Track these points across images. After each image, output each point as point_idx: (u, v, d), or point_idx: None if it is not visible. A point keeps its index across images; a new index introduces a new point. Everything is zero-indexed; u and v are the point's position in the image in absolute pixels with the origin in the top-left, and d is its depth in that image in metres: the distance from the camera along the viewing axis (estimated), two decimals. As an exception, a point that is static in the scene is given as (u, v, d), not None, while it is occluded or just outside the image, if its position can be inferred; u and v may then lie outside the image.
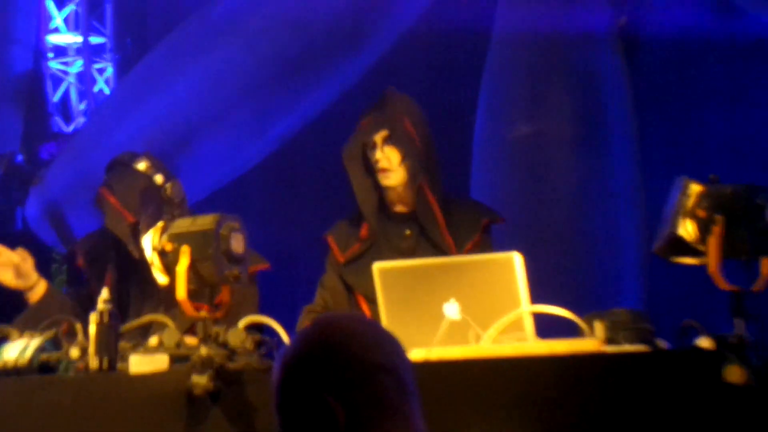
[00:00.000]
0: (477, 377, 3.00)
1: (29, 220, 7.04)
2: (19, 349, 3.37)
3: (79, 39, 8.35)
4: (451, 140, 6.25)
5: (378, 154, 3.97)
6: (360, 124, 4.05)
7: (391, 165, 3.97)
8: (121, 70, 8.29)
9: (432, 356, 3.08)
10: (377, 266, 3.36)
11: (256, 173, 7.13)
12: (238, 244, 3.25)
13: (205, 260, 3.21)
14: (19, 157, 7.71)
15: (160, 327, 3.50)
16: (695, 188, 3.08)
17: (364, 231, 4.02)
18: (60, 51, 8.42)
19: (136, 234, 3.98)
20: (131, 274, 4.05)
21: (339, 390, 1.96)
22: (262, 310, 3.66)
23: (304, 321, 3.94)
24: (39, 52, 8.29)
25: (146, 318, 3.63)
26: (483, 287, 3.25)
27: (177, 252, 3.23)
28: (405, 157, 3.96)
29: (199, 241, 3.22)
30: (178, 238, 3.25)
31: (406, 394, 2.01)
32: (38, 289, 3.97)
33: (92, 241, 4.23)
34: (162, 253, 3.28)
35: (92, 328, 3.25)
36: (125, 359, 3.26)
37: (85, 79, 8.34)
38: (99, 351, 3.24)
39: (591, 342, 3.05)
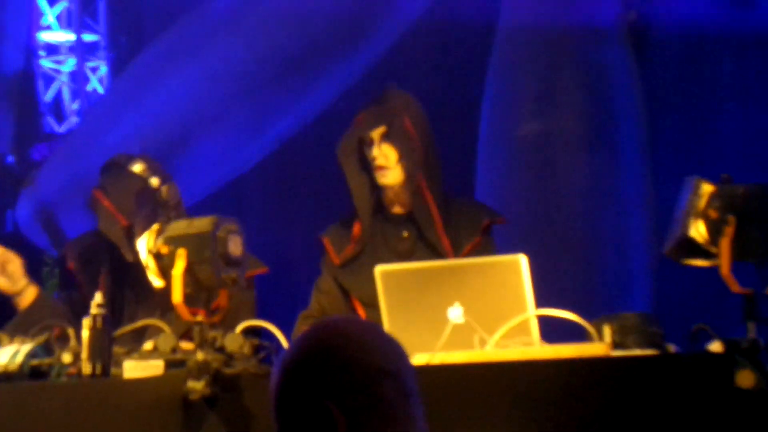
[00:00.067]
0: (482, 382, 3.01)
1: (20, 222, 7.05)
2: (9, 354, 3.37)
3: (72, 37, 8.36)
4: (456, 139, 6.26)
5: (375, 151, 3.96)
6: (356, 118, 4.04)
7: (388, 163, 3.96)
8: (115, 68, 8.29)
9: (435, 361, 3.08)
10: (379, 269, 3.36)
11: (255, 174, 7.14)
12: (235, 246, 3.26)
13: (201, 263, 3.22)
14: (10, 159, 7.72)
15: (155, 331, 3.51)
16: (707, 188, 3.08)
17: (356, 230, 4.01)
18: (52, 49, 8.43)
19: (130, 237, 3.99)
20: (125, 277, 4.05)
21: (339, 395, 1.97)
22: (260, 315, 3.67)
23: (300, 327, 3.92)
24: (30, 50, 8.29)
25: (141, 322, 3.64)
26: (488, 290, 3.26)
27: (173, 255, 3.24)
28: (402, 156, 3.94)
29: (195, 244, 3.23)
30: (175, 241, 3.26)
31: (409, 400, 2.01)
32: (28, 294, 3.96)
33: (84, 243, 4.23)
34: (158, 256, 3.29)
35: (85, 333, 3.26)
36: (119, 364, 3.26)
37: (78, 78, 8.34)
38: (92, 356, 3.24)
39: (599, 346, 3.05)
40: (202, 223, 3.27)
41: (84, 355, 3.25)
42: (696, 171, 3.16)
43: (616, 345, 3.06)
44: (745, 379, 2.81)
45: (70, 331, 3.39)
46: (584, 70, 6.42)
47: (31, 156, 7.84)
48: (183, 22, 7.03)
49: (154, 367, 3.22)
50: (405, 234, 4.00)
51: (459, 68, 7.06)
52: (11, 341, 3.44)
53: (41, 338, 3.42)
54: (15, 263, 3.95)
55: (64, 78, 8.37)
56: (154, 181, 4.03)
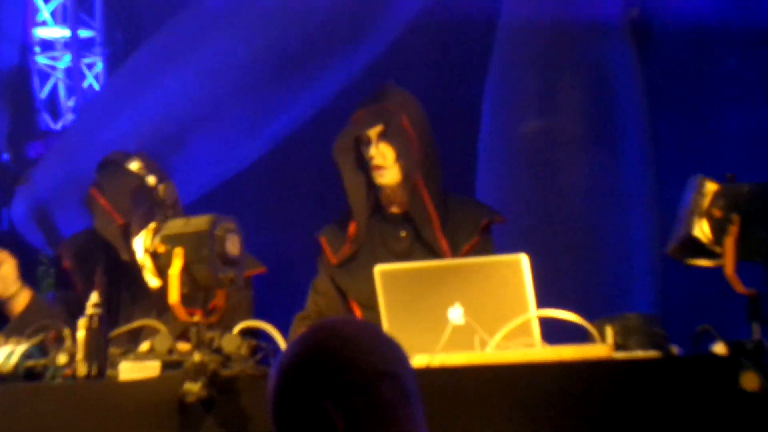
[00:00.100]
0: (482, 384, 3.01)
1: (15, 221, 7.05)
2: (4, 355, 3.37)
3: (68, 32, 8.36)
4: (456, 137, 6.26)
5: (372, 151, 3.95)
6: (353, 116, 4.03)
7: (385, 162, 3.95)
8: (111, 65, 8.30)
9: (435, 362, 3.08)
10: (378, 269, 3.36)
11: (252, 173, 7.14)
12: (233, 245, 3.25)
13: (199, 263, 3.22)
14: (5, 156, 7.72)
15: (151, 332, 3.51)
16: (711, 187, 3.08)
17: (351, 229, 4.00)
18: (47, 45, 8.43)
19: (126, 236, 3.98)
20: (121, 276, 4.05)
21: (338, 397, 1.97)
22: (257, 316, 3.66)
23: (297, 329, 3.90)
24: (25, 46, 8.30)
25: (137, 323, 3.64)
26: (488, 291, 3.26)
27: (170, 254, 3.24)
28: (400, 155, 3.93)
29: (192, 243, 3.23)
30: (171, 240, 3.26)
31: (408, 402, 2.01)
32: (21, 298, 3.94)
33: (79, 241, 4.22)
34: (154, 255, 3.28)
35: (81, 334, 3.26)
36: (115, 366, 3.26)
37: (73, 74, 8.35)
38: (87, 357, 3.24)
39: (601, 348, 3.05)
40: (199, 222, 3.26)
41: (79, 356, 3.25)
42: (700, 169, 3.16)
43: (618, 346, 3.06)
44: (750, 381, 2.80)
45: (66, 332, 3.39)
46: (586, 67, 6.42)
47: (26, 153, 7.84)
48: (180, 19, 7.04)
49: (151, 369, 3.21)
50: (402, 234, 4.00)
51: (459, 66, 7.06)
52: (6, 342, 3.44)
53: (36, 339, 3.42)
54: (8, 265, 3.93)
55: (60, 74, 8.38)
56: (151, 180, 4.03)
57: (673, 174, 3.96)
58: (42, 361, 3.37)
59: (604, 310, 3.39)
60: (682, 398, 2.86)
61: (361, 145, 3.98)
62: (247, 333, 3.31)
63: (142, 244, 3.36)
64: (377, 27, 6.75)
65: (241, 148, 6.91)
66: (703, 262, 3.12)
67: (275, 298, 4.70)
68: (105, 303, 3.44)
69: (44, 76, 8.38)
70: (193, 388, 3.08)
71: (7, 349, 3.40)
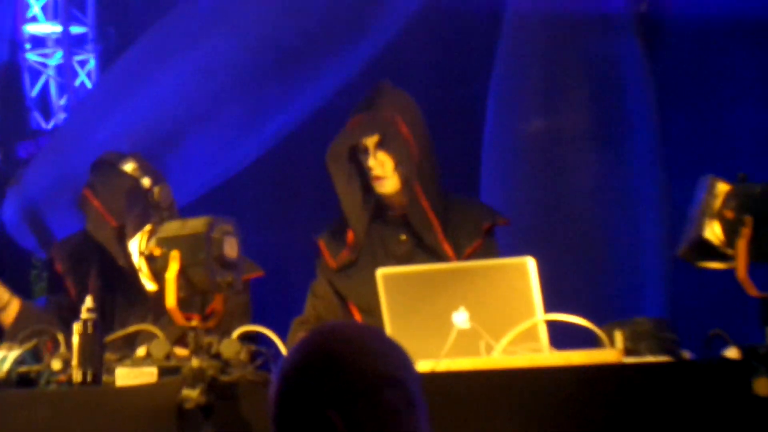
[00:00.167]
0: (488, 390, 3.01)
1: (6, 223, 7.05)
2: (-3, 361, 3.38)
3: (59, 29, 8.37)
4: (459, 136, 6.27)
5: (371, 161, 3.94)
6: (349, 123, 4.01)
7: (384, 172, 3.94)
8: (103, 62, 8.30)
9: (440, 368, 3.09)
10: (380, 272, 3.36)
11: (249, 174, 7.14)
12: (231, 248, 3.26)
13: (196, 266, 3.23)
14: (-5, 156, 7.73)
15: (148, 337, 3.51)
16: (722, 187, 3.09)
17: (350, 235, 4.01)
18: (38, 42, 8.43)
19: (120, 239, 3.99)
20: (116, 280, 4.05)
21: (341, 403, 1.98)
22: (256, 320, 3.67)
23: (296, 334, 3.91)
24: (15, 43, 8.30)
25: (133, 327, 3.64)
26: (494, 294, 3.26)
27: (166, 257, 3.24)
28: (399, 163, 3.93)
29: (189, 246, 3.23)
30: (168, 243, 3.26)
31: (413, 408, 2.02)
32: (11, 309, 3.95)
33: (71, 244, 4.23)
34: (150, 259, 3.29)
35: (75, 339, 3.26)
36: (111, 371, 3.27)
37: (65, 72, 8.35)
38: (82, 363, 3.25)
39: (610, 353, 3.06)
40: (196, 224, 3.27)
41: (74, 361, 3.26)
42: (711, 169, 3.17)
43: (628, 351, 3.07)
44: (763, 387, 2.81)
45: (60, 337, 3.39)
46: (593, 62, 6.42)
47: (17, 153, 7.85)
48: (173, 14, 7.04)
49: (148, 375, 3.22)
50: (403, 237, 4.00)
51: (463, 62, 7.07)
52: (-2, 347, 3.45)
53: (29, 344, 3.43)
54: None
55: (51, 72, 8.38)
56: (146, 182, 4.03)
57: (684, 173, 3.98)
58: (35, 367, 3.38)
59: (612, 314, 3.40)
60: (694, 404, 2.87)
61: (357, 153, 3.98)
62: (245, 338, 3.32)
63: (137, 247, 3.36)
64: (377, 23, 6.75)
65: (238, 148, 6.91)
66: (715, 265, 3.12)
67: (273, 301, 4.71)
68: (99, 307, 3.45)
69: (35, 74, 8.38)
70: (192, 394, 3.09)
71: (-1, 354, 3.41)
